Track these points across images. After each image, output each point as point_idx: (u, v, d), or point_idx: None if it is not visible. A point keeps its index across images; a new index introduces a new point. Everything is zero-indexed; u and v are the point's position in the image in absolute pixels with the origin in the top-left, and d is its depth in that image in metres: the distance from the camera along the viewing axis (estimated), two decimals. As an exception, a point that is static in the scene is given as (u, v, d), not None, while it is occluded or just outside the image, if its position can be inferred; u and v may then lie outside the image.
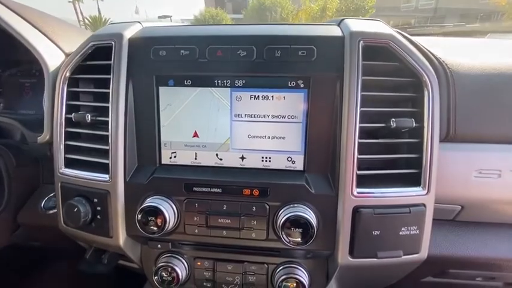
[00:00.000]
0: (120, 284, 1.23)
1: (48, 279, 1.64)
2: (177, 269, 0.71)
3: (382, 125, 0.61)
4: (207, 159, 0.69)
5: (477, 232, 0.77)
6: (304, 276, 0.69)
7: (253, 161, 0.68)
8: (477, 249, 0.75)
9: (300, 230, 0.60)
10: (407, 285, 0.90)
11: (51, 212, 0.88)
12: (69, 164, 0.72)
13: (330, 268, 0.71)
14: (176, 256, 0.74)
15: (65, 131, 0.71)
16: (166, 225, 0.64)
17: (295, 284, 0.68)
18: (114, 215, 0.68)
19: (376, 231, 0.61)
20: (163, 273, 0.71)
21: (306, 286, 0.68)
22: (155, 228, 0.64)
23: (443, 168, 0.67)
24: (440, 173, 0.65)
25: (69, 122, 0.71)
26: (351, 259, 0.63)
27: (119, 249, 0.71)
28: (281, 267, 0.71)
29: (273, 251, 0.69)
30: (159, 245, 0.72)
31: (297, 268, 0.70)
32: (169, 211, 0.64)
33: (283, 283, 0.68)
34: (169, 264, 0.71)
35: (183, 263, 0.73)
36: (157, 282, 0.71)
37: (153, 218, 0.64)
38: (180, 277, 0.71)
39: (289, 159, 0.67)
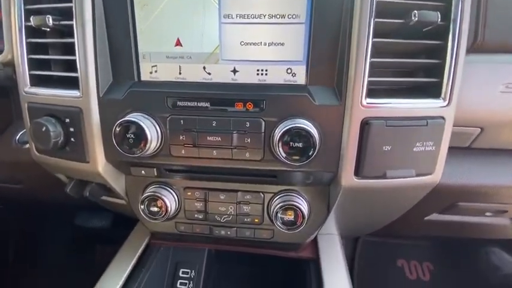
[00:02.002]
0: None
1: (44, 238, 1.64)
2: (165, 199, 0.65)
3: (401, 20, 0.51)
4: (193, 73, 0.60)
5: (494, 159, 0.70)
6: (303, 205, 0.63)
7: (247, 75, 0.58)
8: (492, 177, 0.69)
9: (300, 144, 0.52)
10: (409, 224, 0.86)
11: (26, 146, 0.81)
12: (35, 82, 0.63)
13: (331, 195, 0.65)
14: (164, 187, 0.67)
15: (26, 42, 0.61)
16: (148, 144, 0.56)
17: (293, 213, 0.62)
18: (89, 136, 0.59)
19: (387, 147, 0.53)
20: (151, 204, 0.65)
21: (305, 215, 0.62)
22: (136, 149, 0.56)
23: (466, 83, 0.58)
24: (462, 88, 0.56)
25: (30, 31, 0.61)
26: (356, 180, 0.56)
27: (98, 177, 0.64)
28: (278, 196, 0.65)
29: (269, 177, 0.63)
30: (143, 171, 0.64)
31: (295, 196, 0.64)
32: (151, 129, 0.56)
33: (280, 212, 0.62)
34: (157, 194, 0.65)
35: (172, 194, 0.67)
36: (144, 212, 0.65)
37: (132, 136, 0.56)
38: (169, 208, 0.65)
39: (289, 71, 0.58)
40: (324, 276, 0.68)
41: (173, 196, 0.67)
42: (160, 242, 0.79)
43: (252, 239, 0.70)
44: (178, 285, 0.76)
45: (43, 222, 1.66)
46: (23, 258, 1.56)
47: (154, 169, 0.64)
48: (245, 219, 0.67)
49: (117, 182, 0.68)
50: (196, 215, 0.69)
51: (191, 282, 0.76)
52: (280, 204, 0.62)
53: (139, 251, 0.76)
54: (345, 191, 0.58)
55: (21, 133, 0.83)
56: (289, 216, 0.62)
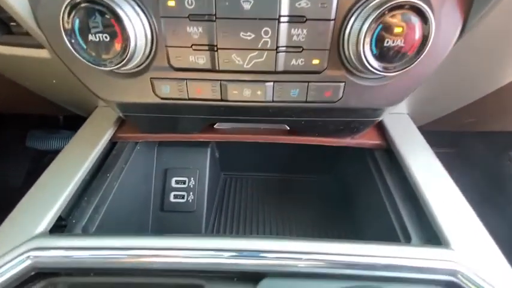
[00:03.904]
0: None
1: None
2: (122, 15, 0.30)
3: None
4: None
5: None
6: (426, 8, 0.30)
7: None
8: None
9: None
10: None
11: None
12: None
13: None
14: None
15: None
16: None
17: (404, 30, 0.30)
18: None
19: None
20: (94, 29, 0.30)
21: (430, 32, 0.31)
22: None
23: None
24: None
25: None
26: None
27: None
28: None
29: None
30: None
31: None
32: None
33: (377, 29, 0.30)
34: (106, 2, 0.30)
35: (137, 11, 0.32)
36: (78, 48, 0.32)
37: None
38: (132, 37, 0.31)
39: None
40: (412, 171, 0.43)
41: (140, 15, 0.32)
42: (133, 136, 0.52)
43: (299, 104, 0.38)
44: (172, 200, 0.60)
45: None
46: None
47: None
48: (292, 62, 0.34)
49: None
50: (193, 57, 0.34)
51: (191, 193, 0.60)
52: (376, 14, 0.30)
53: (96, 151, 0.46)
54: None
55: None
56: (396, 36, 0.31)
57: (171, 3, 0.31)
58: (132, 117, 0.46)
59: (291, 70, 0.35)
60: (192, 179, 0.62)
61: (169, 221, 0.61)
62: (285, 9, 0.31)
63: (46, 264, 0.32)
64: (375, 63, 0.32)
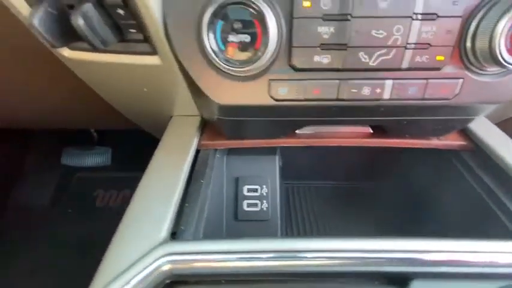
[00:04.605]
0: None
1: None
2: (266, 14, 0.31)
3: None
4: None
5: None
6: None
7: None
8: None
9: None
10: None
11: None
12: None
13: None
14: None
15: None
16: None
17: None
18: None
19: None
20: (232, 28, 0.31)
21: None
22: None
23: None
24: None
25: None
26: None
27: None
28: None
29: None
30: None
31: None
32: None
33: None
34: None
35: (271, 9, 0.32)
36: (214, 52, 0.33)
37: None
38: (271, 36, 0.32)
39: None
40: None
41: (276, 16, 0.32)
42: (217, 144, 0.52)
43: (413, 102, 0.38)
44: (245, 208, 0.59)
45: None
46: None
47: None
48: (417, 59, 0.35)
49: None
50: (318, 57, 0.34)
51: (264, 201, 0.59)
52: None
53: (188, 158, 0.46)
54: None
55: None
56: None
57: (306, 4, 0.32)
58: (226, 122, 0.46)
59: (414, 67, 0.35)
60: (264, 187, 0.61)
61: (243, 229, 0.59)
62: (419, 7, 0.32)
63: (182, 271, 0.31)
64: (509, 57, 0.33)
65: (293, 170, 0.72)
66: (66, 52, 0.42)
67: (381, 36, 0.33)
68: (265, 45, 0.32)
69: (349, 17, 0.32)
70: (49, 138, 1.46)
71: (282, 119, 0.44)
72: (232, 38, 0.31)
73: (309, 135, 0.53)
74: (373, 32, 0.33)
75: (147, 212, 0.37)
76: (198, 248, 0.32)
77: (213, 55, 0.32)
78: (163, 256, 0.31)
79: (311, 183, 0.74)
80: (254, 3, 0.30)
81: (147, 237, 0.34)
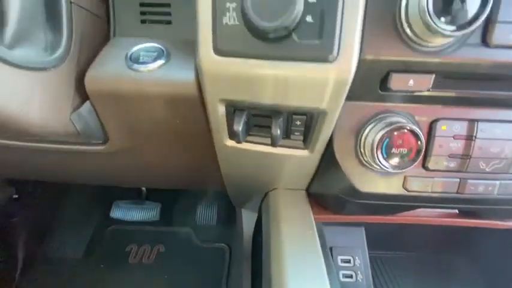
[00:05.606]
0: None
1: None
2: (417, 131, 0.42)
3: None
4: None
5: None
6: None
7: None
8: None
9: None
10: None
11: (143, 68, 0.49)
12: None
13: None
14: (403, 115, 0.46)
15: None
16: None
17: None
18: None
19: None
20: (395, 142, 0.43)
21: None
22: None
23: None
24: None
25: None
26: None
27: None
28: None
29: None
30: None
31: None
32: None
33: None
34: (402, 124, 0.43)
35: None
36: (379, 160, 0.44)
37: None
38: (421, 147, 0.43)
39: None
40: None
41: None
42: (332, 218, 0.61)
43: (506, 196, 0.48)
44: (342, 279, 0.62)
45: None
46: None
47: None
48: None
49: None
50: (446, 163, 0.47)
51: (358, 272, 0.63)
52: None
53: (314, 230, 0.54)
54: None
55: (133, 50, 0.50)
56: None
57: (443, 127, 0.44)
58: (342, 200, 0.55)
59: (517, 172, 0.47)
60: (356, 258, 0.67)
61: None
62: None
63: None
64: None
65: (373, 240, 0.79)
66: (229, 143, 0.52)
67: (498, 149, 0.45)
68: (419, 155, 0.43)
69: (473, 138, 0.44)
70: (92, 191, 1.51)
71: (398, 203, 0.54)
72: (393, 150, 0.43)
73: (410, 214, 0.62)
74: (491, 149, 0.45)
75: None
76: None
77: (379, 163, 0.43)
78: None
79: (388, 253, 0.80)
80: (415, 129, 0.42)
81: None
